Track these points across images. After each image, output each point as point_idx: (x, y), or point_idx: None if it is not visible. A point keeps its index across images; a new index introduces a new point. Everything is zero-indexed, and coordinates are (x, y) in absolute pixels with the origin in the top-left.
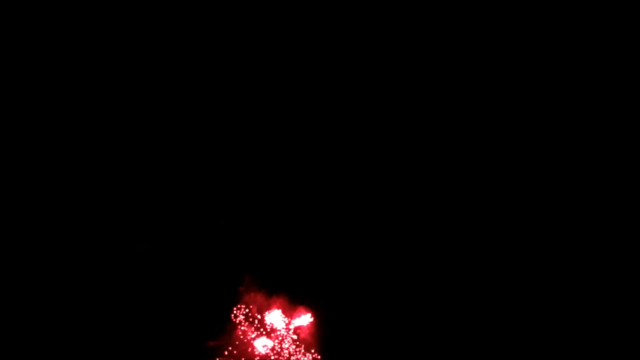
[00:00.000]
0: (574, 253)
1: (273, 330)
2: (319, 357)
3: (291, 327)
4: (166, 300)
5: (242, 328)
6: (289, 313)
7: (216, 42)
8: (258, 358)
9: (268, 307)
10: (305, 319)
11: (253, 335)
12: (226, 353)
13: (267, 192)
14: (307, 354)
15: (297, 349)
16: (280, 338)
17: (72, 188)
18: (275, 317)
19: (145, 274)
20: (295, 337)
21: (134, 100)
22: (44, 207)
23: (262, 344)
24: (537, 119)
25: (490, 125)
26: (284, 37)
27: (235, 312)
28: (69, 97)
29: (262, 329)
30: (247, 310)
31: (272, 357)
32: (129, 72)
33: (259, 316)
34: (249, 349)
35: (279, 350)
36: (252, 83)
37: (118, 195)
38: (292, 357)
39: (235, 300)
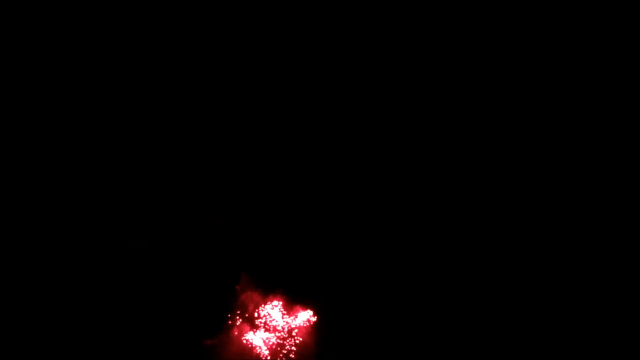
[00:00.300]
0: (572, 253)
1: (269, 328)
2: (316, 354)
3: (287, 325)
4: (163, 298)
5: (239, 326)
6: (286, 311)
7: (214, 43)
8: (254, 356)
9: (264, 306)
10: (302, 317)
11: (249, 334)
12: (223, 351)
13: (265, 192)
14: (304, 352)
15: (294, 347)
16: (276, 336)
17: (72, 189)
18: (271, 316)
19: (143, 273)
20: (291, 335)
21: (135, 105)
22: (45, 208)
23: (258, 342)
24: (536, 120)
25: (489, 126)
26: (281, 37)
27: (231, 310)
28: (70, 98)
29: (258, 327)
30: (243, 308)
31: (269, 355)
32: (130, 74)
33: (255, 314)
34: (245, 347)
35: (276, 348)
36: (249, 85)
37: (117, 195)
38: (288, 355)
39: (232, 299)
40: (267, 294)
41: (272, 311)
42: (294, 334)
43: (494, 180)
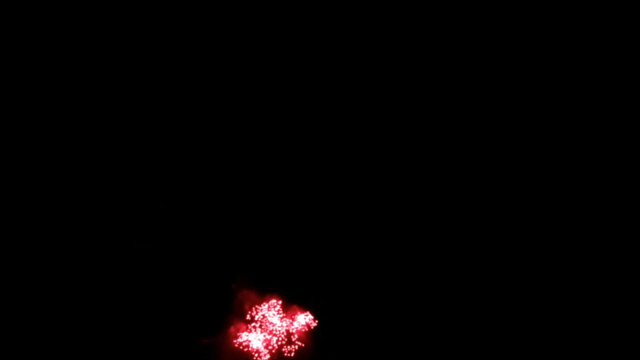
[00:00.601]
0: (571, 254)
1: (266, 327)
2: (312, 352)
3: (284, 324)
4: (161, 298)
5: (235, 325)
6: (282, 310)
7: (213, 43)
8: (251, 355)
9: (261, 305)
10: (298, 317)
11: (246, 333)
12: (219, 350)
13: (262, 192)
14: (301, 350)
15: (290, 346)
16: (273, 335)
17: (73, 190)
18: (268, 315)
19: (141, 273)
20: (288, 333)
21: (135, 105)
22: (46, 209)
23: (254, 341)
24: (535, 120)
25: (489, 126)
26: (281, 37)
27: (228, 309)
28: (70, 99)
29: (254, 326)
30: (240, 307)
31: (265, 354)
32: (130, 75)
33: (251, 314)
34: (242, 346)
35: (272, 347)
36: (249, 85)
37: (118, 196)
38: (285, 353)
39: (228, 298)
40: (264, 293)
41: (269, 311)
42: (291, 333)
43: (493, 181)
